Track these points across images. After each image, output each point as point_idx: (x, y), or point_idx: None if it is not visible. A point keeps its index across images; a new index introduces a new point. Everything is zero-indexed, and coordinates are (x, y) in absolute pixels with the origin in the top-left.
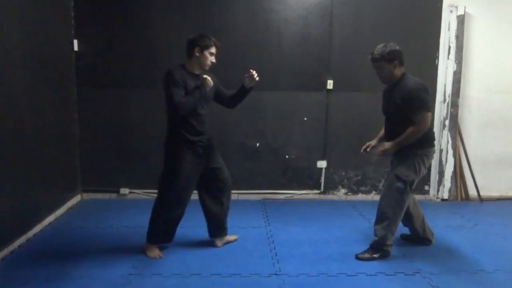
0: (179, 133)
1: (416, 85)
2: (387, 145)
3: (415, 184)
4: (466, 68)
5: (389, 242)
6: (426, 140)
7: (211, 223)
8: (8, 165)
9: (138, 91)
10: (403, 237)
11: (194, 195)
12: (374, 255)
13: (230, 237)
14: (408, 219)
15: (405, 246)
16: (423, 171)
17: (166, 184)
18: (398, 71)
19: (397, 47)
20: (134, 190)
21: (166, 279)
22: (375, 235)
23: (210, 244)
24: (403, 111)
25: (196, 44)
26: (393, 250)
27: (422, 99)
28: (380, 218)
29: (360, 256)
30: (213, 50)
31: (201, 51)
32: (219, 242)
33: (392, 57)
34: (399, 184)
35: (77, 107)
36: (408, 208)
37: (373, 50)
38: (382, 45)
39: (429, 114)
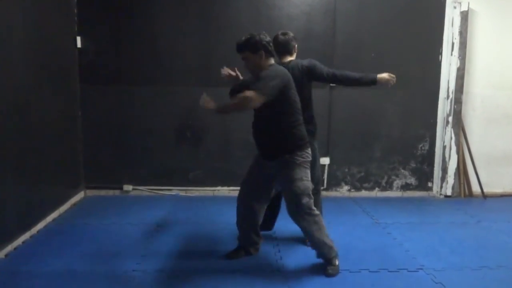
0: None
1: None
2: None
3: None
4: (469, 65)
5: (334, 250)
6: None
7: None
8: (12, 162)
9: (141, 88)
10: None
11: (196, 192)
12: (336, 263)
13: None
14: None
15: (407, 242)
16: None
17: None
18: (265, 62)
19: (264, 38)
20: (138, 186)
21: (169, 275)
22: (321, 257)
23: (212, 241)
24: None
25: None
26: (395, 247)
27: (265, 78)
28: (314, 242)
29: (329, 273)
30: None
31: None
32: None
33: (257, 47)
34: (305, 201)
35: (80, 104)
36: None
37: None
38: (248, 34)
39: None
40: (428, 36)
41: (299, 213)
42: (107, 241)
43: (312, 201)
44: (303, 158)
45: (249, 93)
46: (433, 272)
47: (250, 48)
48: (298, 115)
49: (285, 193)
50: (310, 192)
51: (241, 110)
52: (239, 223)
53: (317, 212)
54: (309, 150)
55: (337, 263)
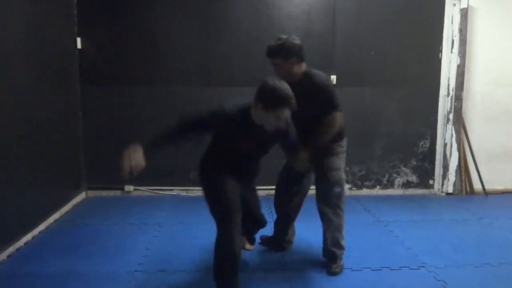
0: None
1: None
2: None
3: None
4: (469, 62)
5: (343, 253)
6: None
7: None
8: (13, 163)
9: (141, 89)
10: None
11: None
12: (341, 263)
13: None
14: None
15: (409, 240)
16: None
17: None
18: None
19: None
20: (139, 187)
21: (171, 275)
22: (339, 247)
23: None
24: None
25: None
26: (397, 245)
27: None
28: (331, 236)
29: (333, 271)
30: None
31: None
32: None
33: (291, 54)
34: (337, 190)
35: (81, 104)
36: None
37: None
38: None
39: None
40: (428, 33)
41: (328, 202)
42: (109, 241)
43: (343, 192)
44: (342, 147)
45: (336, 117)
46: (435, 269)
47: (283, 54)
48: None
49: (319, 181)
50: (343, 183)
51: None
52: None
53: (343, 207)
54: (345, 141)
55: (341, 263)
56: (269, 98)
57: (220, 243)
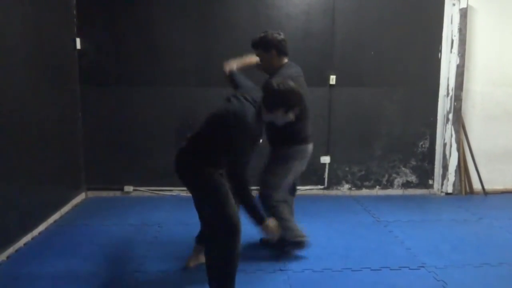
0: None
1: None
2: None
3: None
4: (469, 62)
5: (296, 236)
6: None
7: None
8: (13, 164)
9: (141, 89)
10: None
11: None
12: (285, 248)
13: None
14: None
15: (408, 240)
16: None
17: None
18: (276, 61)
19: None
20: (139, 187)
21: (171, 276)
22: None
23: None
24: None
25: None
26: (397, 245)
27: None
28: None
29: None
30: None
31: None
32: None
33: (270, 46)
34: (267, 194)
35: (80, 105)
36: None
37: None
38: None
39: None
40: (427, 33)
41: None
42: (109, 242)
43: (276, 195)
44: (290, 152)
45: None
46: (435, 270)
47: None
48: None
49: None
50: (269, 186)
51: None
52: None
53: (278, 203)
54: (304, 147)
55: (285, 249)
56: (269, 101)
57: (226, 246)
